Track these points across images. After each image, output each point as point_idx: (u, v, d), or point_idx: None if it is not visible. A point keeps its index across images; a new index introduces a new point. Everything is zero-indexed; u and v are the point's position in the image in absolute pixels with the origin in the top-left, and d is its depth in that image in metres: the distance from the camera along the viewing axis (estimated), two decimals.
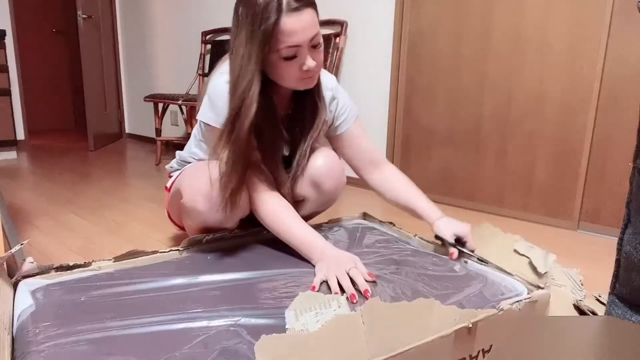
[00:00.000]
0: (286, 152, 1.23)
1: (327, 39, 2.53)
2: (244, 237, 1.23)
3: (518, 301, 0.86)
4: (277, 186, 1.18)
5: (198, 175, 1.16)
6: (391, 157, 2.44)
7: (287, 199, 1.17)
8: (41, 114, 4.92)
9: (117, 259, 1.05)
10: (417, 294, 0.93)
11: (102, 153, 3.54)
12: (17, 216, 1.90)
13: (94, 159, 3.30)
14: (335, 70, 2.49)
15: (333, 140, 1.32)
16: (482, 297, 0.93)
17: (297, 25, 0.96)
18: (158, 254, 1.10)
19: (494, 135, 2.08)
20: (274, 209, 1.12)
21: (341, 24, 2.48)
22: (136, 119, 4.19)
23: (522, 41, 1.94)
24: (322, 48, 1.06)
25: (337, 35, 2.50)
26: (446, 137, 2.24)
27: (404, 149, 2.40)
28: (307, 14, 0.97)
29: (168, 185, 1.39)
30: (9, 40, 3.42)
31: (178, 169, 1.39)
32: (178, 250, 1.13)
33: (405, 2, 2.26)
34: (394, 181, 1.29)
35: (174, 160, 1.41)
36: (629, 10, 1.69)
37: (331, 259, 1.01)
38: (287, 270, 1.05)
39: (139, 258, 1.08)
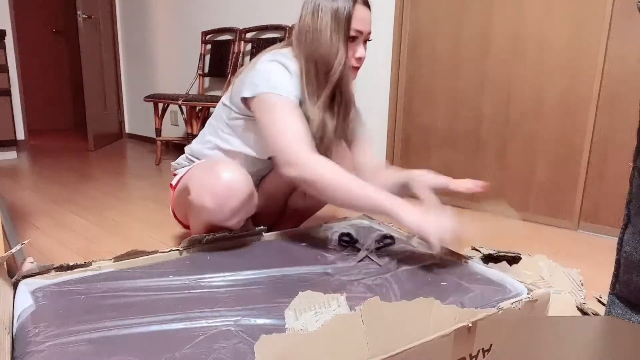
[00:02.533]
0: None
1: None
2: (244, 237, 1.24)
3: (518, 301, 0.86)
4: None
5: (208, 172, 1.17)
6: (391, 157, 2.44)
7: None
8: (41, 114, 4.92)
9: (117, 259, 1.05)
10: (416, 294, 0.93)
11: (102, 153, 3.54)
12: (17, 216, 1.90)
13: (94, 159, 3.30)
14: None
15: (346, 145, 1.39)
16: (482, 297, 0.93)
17: (365, 16, 1.20)
18: (158, 254, 1.10)
19: (493, 135, 2.08)
20: (335, 169, 1.09)
21: None
22: (136, 119, 4.19)
23: (522, 41, 1.94)
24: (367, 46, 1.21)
25: None
26: (446, 137, 2.24)
27: (404, 149, 2.40)
28: (370, 12, 1.23)
29: (173, 183, 1.39)
30: (9, 40, 3.42)
31: (185, 166, 1.39)
32: (178, 250, 1.13)
33: (405, 2, 2.26)
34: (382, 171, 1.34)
35: (181, 156, 1.41)
36: (629, 10, 1.69)
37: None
38: (287, 270, 1.05)
39: (139, 258, 1.07)
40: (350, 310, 0.85)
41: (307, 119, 1.19)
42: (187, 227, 1.42)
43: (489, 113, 2.08)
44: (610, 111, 1.78)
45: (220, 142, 1.32)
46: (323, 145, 1.22)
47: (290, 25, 2.74)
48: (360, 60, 1.24)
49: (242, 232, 1.24)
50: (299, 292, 0.90)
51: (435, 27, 2.19)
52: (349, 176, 1.07)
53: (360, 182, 1.06)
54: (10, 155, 3.26)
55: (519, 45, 1.96)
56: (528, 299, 0.87)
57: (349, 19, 1.17)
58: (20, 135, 3.62)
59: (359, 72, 2.48)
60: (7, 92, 3.14)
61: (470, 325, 0.77)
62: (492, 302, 0.90)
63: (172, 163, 1.44)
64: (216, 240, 1.19)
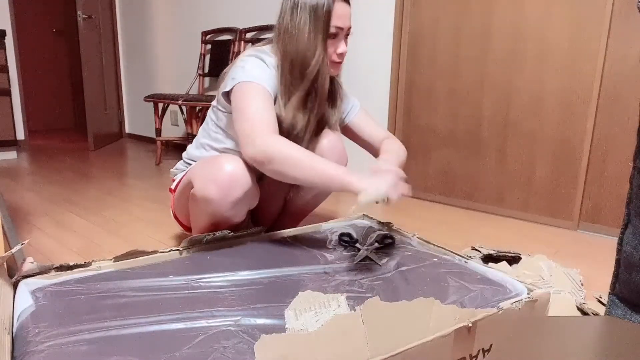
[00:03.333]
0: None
1: None
2: (244, 237, 1.24)
3: (518, 301, 0.86)
4: None
5: (211, 165, 1.19)
6: None
7: None
8: (41, 114, 4.92)
9: (117, 259, 1.05)
10: (417, 294, 0.93)
11: (102, 153, 3.54)
12: (17, 216, 1.90)
13: (94, 159, 3.30)
14: None
15: (344, 130, 1.45)
16: (482, 297, 0.93)
17: (344, 12, 1.21)
18: (158, 254, 1.10)
19: (493, 135, 2.08)
20: (293, 146, 1.12)
21: None
22: (136, 119, 4.19)
23: (522, 41, 1.94)
24: (348, 40, 1.25)
25: None
26: (446, 137, 2.24)
27: None
28: (349, 8, 1.23)
29: (173, 187, 1.40)
30: (9, 40, 3.42)
31: (183, 170, 1.40)
32: (178, 250, 1.13)
33: (405, 2, 2.26)
34: (384, 148, 1.38)
35: (179, 162, 1.43)
36: (629, 10, 1.69)
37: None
38: (287, 270, 1.05)
39: (139, 258, 1.07)
40: (350, 310, 0.85)
41: (279, 117, 1.21)
42: (188, 228, 1.42)
43: (489, 113, 2.08)
44: (610, 111, 1.78)
45: (213, 142, 1.34)
46: (292, 140, 1.22)
47: None
48: (341, 55, 1.25)
49: (242, 232, 1.24)
50: (299, 292, 0.90)
51: (435, 27, 2.19)
52: (307, 152, 1.11)
53: (317, 157, 1.10)
54: (10, 155, 3.26)
55: (519, 45, 1.96)
56: (528, 299, 0.87)
57: (328, 16, 1.18)
58: (20, 135, 3.62)
59: (358, 71, 2.48)
60: (7, 92, 3.14)
61: (470, 325, 0.77)
62: (492, 302, 0.90)
63: (171, 170, 1.46)
64: (216, 240, 1.19)
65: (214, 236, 1.18)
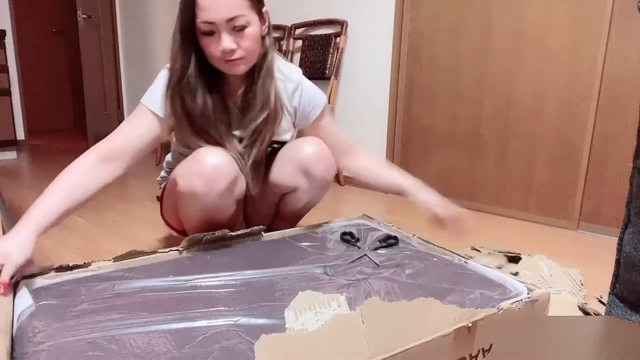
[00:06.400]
0: (237, 133, 1.24)
1: (328, 38, 2.54)
2: (243, 237, 1.23)
3: (518, 301, 0.86)
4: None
5: (192, 160, 1.17)
6: (391, 157, 2.44)
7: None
8: (41, 114, 4.92)
9: (117, 259, 1.05)
10: (417, 294, 0.93)
11: None
12: (17, 216, 1.90)
13: None
14: (335, 70, 2.49)
15: (305, 132, 1.37)
16: (482, 297, 0.93)
17: (211, 3, 1.02)
18: (158, 254, 1.10)
19: (494, 135, 2.08)
20: (69, 170, 1.10)
21: (341, 23, 2.48)
22: None
23: (522, 41, 1.95)
24: (250, 33, 1.08)
25: (337, 35, 2.51)
26: (446, 137, 2.24)
27: (404, 149, 2.40)
28: None
29: (159, 194, 1.39)
30: (9, 40, 3.43)
31: (166, 178, 1.39)
32: (178, 250, 1.13)
33: (405, 2, 2.26)
34: (366, 164, 1.36)
35: (162, 171, 1.42)
36: (629, 10, 1.69)
37: None
38: (287, 270, 1.05)
39: (138, 258, 1.07)
40: (350, 310, 0.85)
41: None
42: (180, 231, 1.41)
43: (489, 113, 2.08)
44: (610, 111, 1.78)
45: (184, 150, 1.30)
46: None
47: (289, 25, 2.73)
48: (226, 52, 1.05)
49: (242, 232, 1.24)
50: (299, 292, 0.90)
51: (435, 27, 2.19)
52: (67, 181, 1.11)
53: (57, 187, 1.11)
54: (10, 155, 3.26)
55: (519, 45, 1.96)
56: (528, 299, 0.87)
57: (191, 11, 1.02)
58: (20, 135, 3.63)
59: (358, 71, 2.48)
60: (7, 92, 3.14)
61: (470, 325, 0.77)
62: (492, 302, 0.90)
63: (157, 179, 1.45)
64: (216, 240, 1.18)
65: (213, 236, 1.18)
